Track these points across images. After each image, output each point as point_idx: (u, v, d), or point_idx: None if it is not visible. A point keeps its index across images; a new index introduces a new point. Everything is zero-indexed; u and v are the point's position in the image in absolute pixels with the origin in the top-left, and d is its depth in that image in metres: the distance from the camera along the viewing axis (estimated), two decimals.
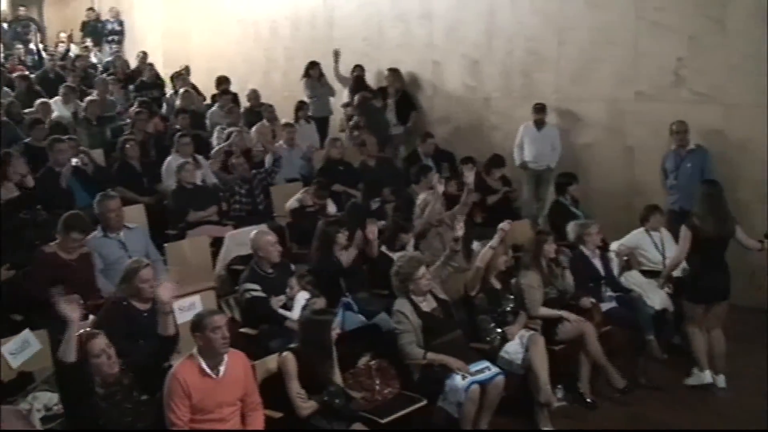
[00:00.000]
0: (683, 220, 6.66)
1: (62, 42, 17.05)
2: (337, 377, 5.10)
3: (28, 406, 4.75)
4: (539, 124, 9.75)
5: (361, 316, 6.07)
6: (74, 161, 7.97)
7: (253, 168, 9.08)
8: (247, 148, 9.64)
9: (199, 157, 9.21)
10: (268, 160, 9.46)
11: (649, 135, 9.00)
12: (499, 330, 6.05)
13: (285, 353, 4.97)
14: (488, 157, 9.38)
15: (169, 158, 9.09)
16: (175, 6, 16.09)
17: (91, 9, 18.11)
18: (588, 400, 6.29)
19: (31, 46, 16.40)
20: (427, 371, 5.54)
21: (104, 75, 13.64)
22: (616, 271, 7.22)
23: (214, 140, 10.52)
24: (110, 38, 17.39)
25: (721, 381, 6.50)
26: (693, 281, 6.56)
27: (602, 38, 9.36)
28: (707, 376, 6.50)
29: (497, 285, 6.22)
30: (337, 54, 11.75)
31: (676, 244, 6.79)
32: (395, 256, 6.39)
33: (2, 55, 15.03)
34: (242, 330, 5.99)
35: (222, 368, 4.52)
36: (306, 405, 4.81)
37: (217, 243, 7.61)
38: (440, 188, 7.62)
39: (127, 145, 8.89)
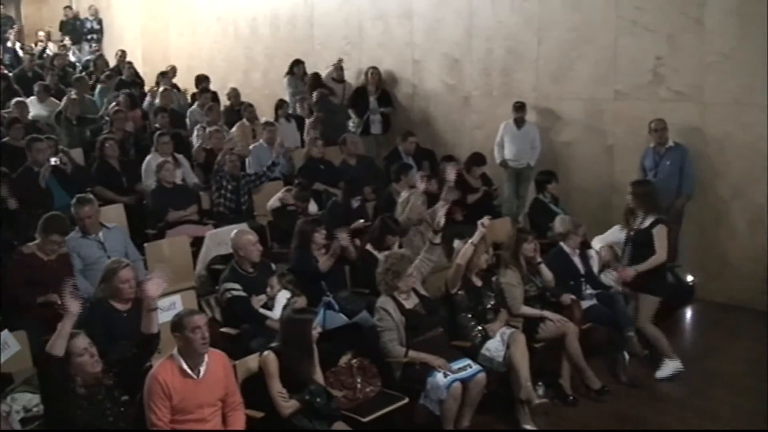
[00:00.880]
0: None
1: (41, 41, 16.89)
2: (319, 376, 5.09)
3: (7, 407, 4.69)
4: (519, 122, 9.78)
5: (342, 315, 6.06)
6: (53, 161, 7.90)
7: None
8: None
9: (179, 156, 9.16)
10: (248, 161, 9.43)
11: (628, 133, 9.06)
12: (479, 327, 6.06)
13: (266, 352, 4.95)
14: (468, 156, 9.42)
15: (148, 157, 9.02)
16: (153, 4, 16.01)
17: (68, 7, 17.99)
18: (570, 397, 6.31)
19: (9, 44, 16.24)
20: (408, 369, 5.55)
21: (83, 74, 13.54)
22: (596, 268, 7.26)
23: (194, 139, 10.47)
24: (89, 37, 17.29)
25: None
26: (656, 275, 6.64)
27: (581, 37, 9.41)
28: (679, 363, 6.61)
29: (478, 283, 6.22)
30: (340, 62, 11.80)
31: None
32: (381, 255, 6.31)
33: None
34: (223, 330, 5.97)
35: (202, 368, 4.51)
36: (287, 404, 4.80)
37: (197, 242, 7.57)
38: (421, 186, 7.61)
39: (107, 144, 8.79)
